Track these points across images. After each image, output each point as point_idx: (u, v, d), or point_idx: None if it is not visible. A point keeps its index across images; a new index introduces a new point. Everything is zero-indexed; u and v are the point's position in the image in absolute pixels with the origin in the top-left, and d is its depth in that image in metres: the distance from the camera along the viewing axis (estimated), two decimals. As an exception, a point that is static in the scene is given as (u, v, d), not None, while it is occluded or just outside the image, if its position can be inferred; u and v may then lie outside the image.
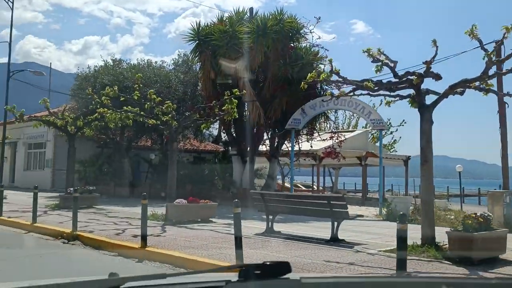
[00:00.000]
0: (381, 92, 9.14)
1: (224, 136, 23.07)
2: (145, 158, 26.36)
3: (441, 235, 8.44)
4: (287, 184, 23.19)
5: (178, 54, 24.48)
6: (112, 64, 24.03)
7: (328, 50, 19.45)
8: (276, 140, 21.09)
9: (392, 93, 9.12)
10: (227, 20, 19.82)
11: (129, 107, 14.17)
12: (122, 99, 14.19)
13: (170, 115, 13.42)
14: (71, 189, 14.36)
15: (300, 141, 20.75)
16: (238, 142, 20.44)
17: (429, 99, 8.88)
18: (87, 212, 14.39)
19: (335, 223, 9.44)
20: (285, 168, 23.76)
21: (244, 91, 15.19)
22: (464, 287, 1.70)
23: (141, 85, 14.19)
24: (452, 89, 8.54)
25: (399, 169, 28.32)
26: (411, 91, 8.89)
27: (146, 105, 13.54)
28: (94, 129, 18.07)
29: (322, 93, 19.57)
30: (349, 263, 7.38)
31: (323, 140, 21.37)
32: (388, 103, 9.35)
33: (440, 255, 7.66)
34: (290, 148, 19.85)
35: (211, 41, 18.99)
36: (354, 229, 11.02)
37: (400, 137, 32.30)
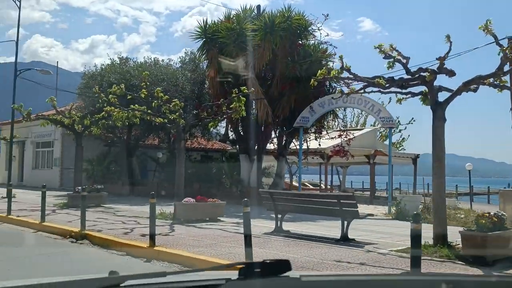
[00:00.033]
0: (393, 89, 9.00)
1: (231, 135, 22.95)
2: (152, 156, 26.32)
3: (453, 234, 8.31)
4: (295, 183, 23.08)
5: (185, 52, 24.33)
6: (119, 62, 23.95)
7: (336, 48, 19.32)
8: (284, 138, 20.96)
9: (403, 90, 8.97)
10: (234, 18, 19.64)
11: (136, 105, 14.07)
12: (129, 97, 14.15)
13: (177, 114, 13.34)
14: (79, 188, 14.36)
15: (308, 140, 20.61)
16: (245, 141, 20.30)
17: (441, 97, 8.73)
18: (95, 211, 14.38)
19: (345, 222, 9.32)
20: (293, 166, 23.62)
21: (252, 89, 15.05)
22: (465, 284, 1.61)
23: (148, 83, 14.13)
24: (466, 86, 8.36)
25: (407, 168, 28.12)
26: (423, 88, 8.74)
27: (153, 104, 13.48)
28: (101, 127, 18.02)
29: (331, 90, 19.44)
30: (360, 263, 7.27)
31: (332, 138, 21.23)
32: (399, 101, 9.21)
33: (453, 255, 7.54)
34: (298, 147, 19.73)
35: (218, 38, 18.84)
36: (363, 228, 10.87)
37: (409, 135, 32.09)
